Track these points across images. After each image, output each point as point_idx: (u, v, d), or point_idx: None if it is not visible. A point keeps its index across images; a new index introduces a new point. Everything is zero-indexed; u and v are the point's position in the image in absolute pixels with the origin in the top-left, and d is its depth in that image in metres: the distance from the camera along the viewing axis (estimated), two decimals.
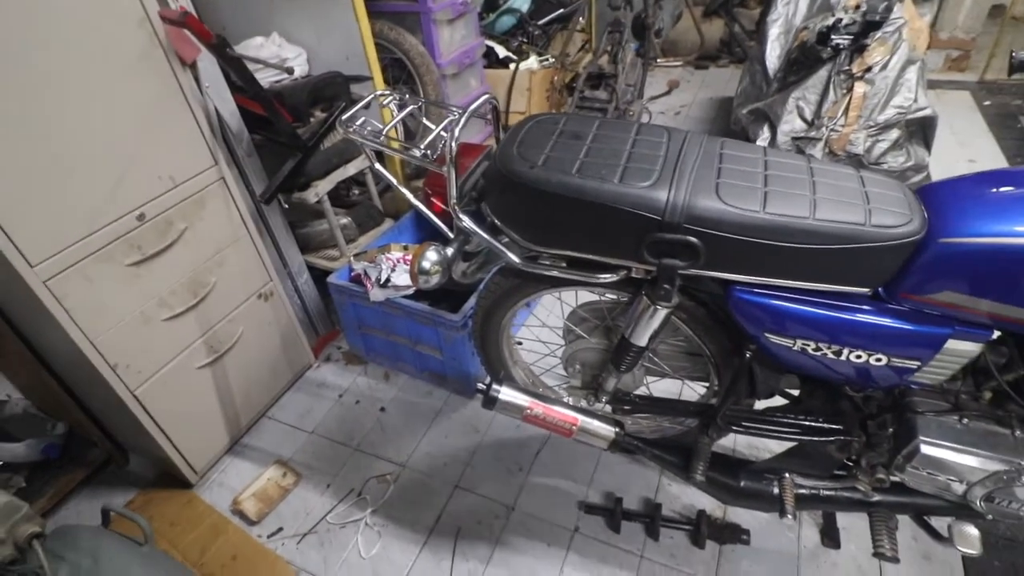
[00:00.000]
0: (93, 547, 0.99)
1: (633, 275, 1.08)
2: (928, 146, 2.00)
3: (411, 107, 1.24)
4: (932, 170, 2.72)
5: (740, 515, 1.52)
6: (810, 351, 1.01)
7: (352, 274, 1.90)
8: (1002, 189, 0.91)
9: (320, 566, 1.51)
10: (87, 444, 1.77)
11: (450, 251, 1.13)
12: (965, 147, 3.02)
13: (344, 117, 1.18)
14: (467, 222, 1.12)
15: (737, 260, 0.97)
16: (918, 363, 0.97)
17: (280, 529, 1.60)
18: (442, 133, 1.17)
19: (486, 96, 1.19)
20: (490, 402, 1.22)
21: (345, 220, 2.05)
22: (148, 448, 1.67)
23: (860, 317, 0.96)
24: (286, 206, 1.84)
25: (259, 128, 1.75)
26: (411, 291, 1.80)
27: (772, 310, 1.00)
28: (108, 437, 1.77)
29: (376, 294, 1.79)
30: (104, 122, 1.30)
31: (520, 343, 1.65)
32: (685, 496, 1.58)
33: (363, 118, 1.19)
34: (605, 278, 1.09)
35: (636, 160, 1.02)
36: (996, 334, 1.02)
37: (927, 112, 1.91)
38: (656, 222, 0.95)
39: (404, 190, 1.23)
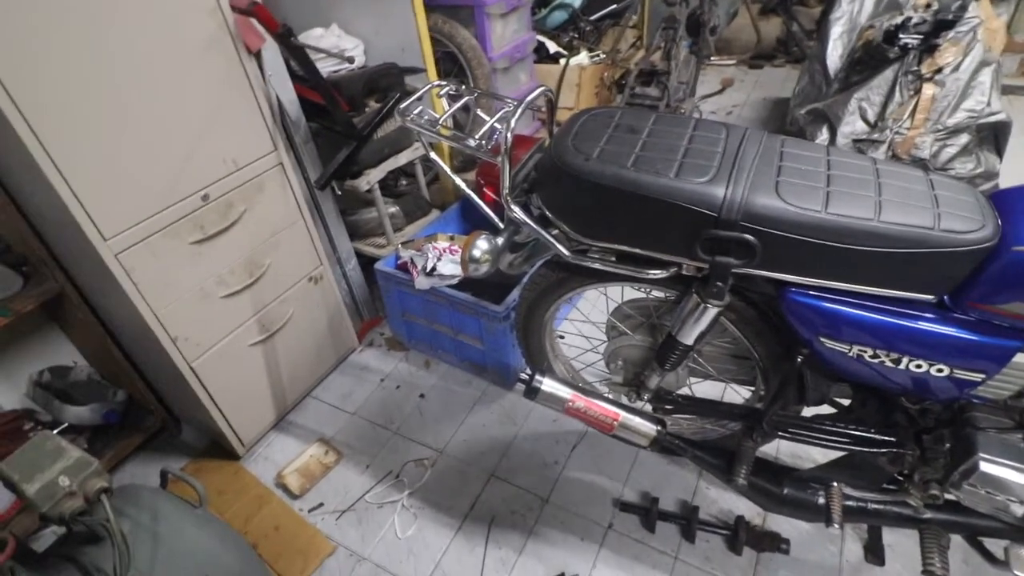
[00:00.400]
0: (152, 505, 1.05)
1: (683, 272, 1.07)
2: (1000, 153, 1.90)
3: (466, 98, 1.25)
4: (1003, 180, 2.58)
5: (780, 524, 1.48)
6: (867, 358, 0.98)
7: (399, 262, 1.94)
8: None
9: (358, 542, 1.55)
10: (144, 412, 1.86)
11: (500, 241, 1.14)
12: None
13: (401, 107, 1.21)
14: (518, 213, 1.13)
15: (794, 261, 0.95)
16: (982, 376, 0.93)
17: (321, 504, 1.65)
18: (496, 124, 1.18)
19: (543, 88, 1.19)
20: (532, 393, 1.23)
21: (393, 209, 2.09)
22: (200, 419, 1.75)
23: (923, 325, 0.93)
24: (339, 193, 1.89)
25: (316, 116, 1.80)
26: (455, 281, 1.82)
27: (828, 313, 0.98)
28: (163, 407, 1.87)
29: (422, 282, 1.82)
30: (176, 105, 1.36)
31: (562, 337, 1.66)
32: (723, 501, 1.55)
33: (420, 108, 1.22)
34: (655, 274, 1.08)
35: (693, 155, 1.01)
36: None
37: (1001, 117, 1.81)
38: (712, 218, 0.94)
39: (457, 179, 1.25)
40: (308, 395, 2.00)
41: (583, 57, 2.94)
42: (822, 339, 1.00)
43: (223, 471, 1.78)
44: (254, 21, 1.46)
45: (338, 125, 1.72)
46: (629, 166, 1.00)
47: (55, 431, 1.71)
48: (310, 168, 1.83)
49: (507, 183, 1.11)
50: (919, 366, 0.95)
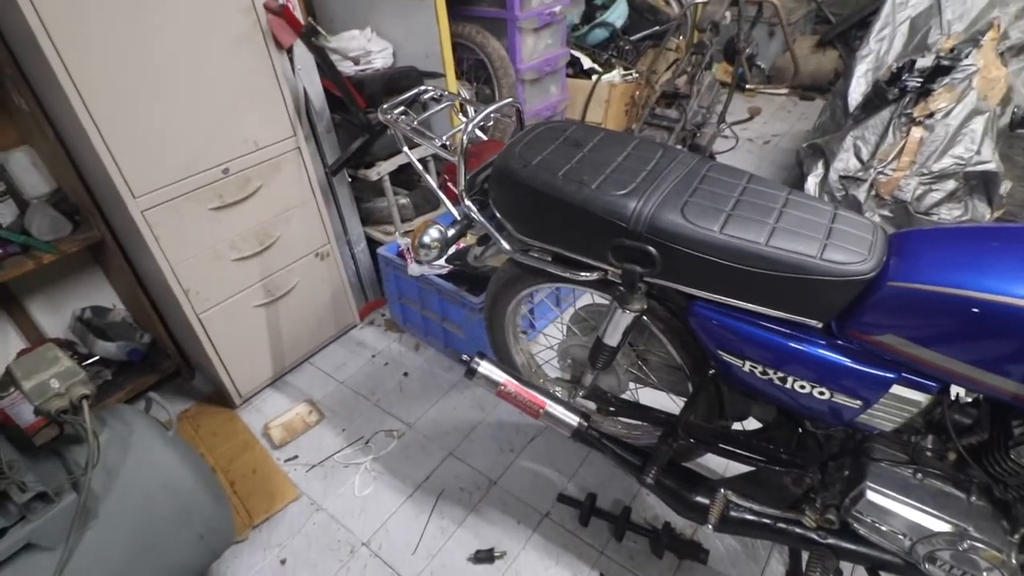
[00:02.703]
0: (130, 421, 1.24)
1: (610, 278, 1.17)
2: (991, 202, 1.85)
3: (446, 104, 1.39)
4: None
5: (708, 539, 1.53)
6: (757, 374, 1.05)
7: (399, 249, 2.11)
8: (970, 243, 0.90)
9: (320, 494, 1.71)
10: (164, 356, 2.11)
11: (451, 232, 1.27)
12: None
13: (386, 106, 1.36)
14: (471, 209, 1.26)
15: (694, 275, 1.03)
16: (860, 403, 0.97)
17: (296, 457, 1.83)
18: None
19: (509, 100, 1.32)
20: (470, 373, 1.34)
21: (404, 200, 2.26)
22: (207, 368, 1.97)
23: (807, 348, 0.99)
24: (350, 180, 2.08)
25: (339, 109, 1.99)
26: (444, 271, 1.96)
27: (726, 328, 1.05)
28: (181, 354, 2.10)
29: (414, 268, 1.96)
30: (207, 89, 1.57)
31: (525, 332, 1.76)
32: (659, 507, 1.61)
33: (402, 108, 1.36)
34: (584, 276, 1.18)
35: (620, 171, 1.11)
36: (970, 396, 1.00)
37: (989, 167, 1.76)
38: (621, 228, 1.04)
39: (427, 176, 1.39)
40: (306, 361, 2.19)
41: (615, 75, 3.03)
42: (720, 352, 1.08)
43: (220, 416, 1.99)
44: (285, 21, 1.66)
45: (355, 119, 1.90)
46: (559, 175, 1.10)
47: (86, 362, 1.98)
48: (329, 155, 2.03)
49: (462, 180, 1.25)
50: (803, 387, 1.01)
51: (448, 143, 1.29)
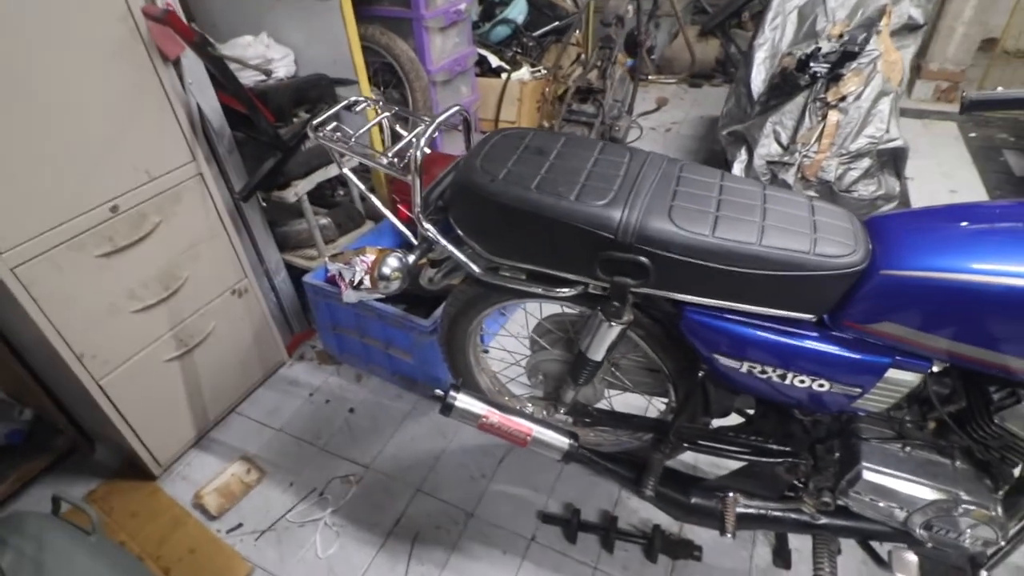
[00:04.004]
0: (39, 533, 1.00)
1: (591, 291, 1.10)
2: (899, 176, 2.04)
3: (385, 115, 1.26)
4: (913, 199, 2.75)
5: (696, 532, 1.53)
6: (756, 373, 1.03)
7: (328, 275, 1.91)
8: (948, 225, 0.94)
9: (277, 563, 1.52)
10: (53, 432, 1.77)
11: (411, 258, 1.15)
12: (948, 178, 3.06)
13: (316, 122, 1.20)
14: (430, 230, 1.14)
15: (687, 281, 0.99)
16: (859, 390, 0.99)
17: (240, 525, 1.61)
18: (414, 141, 1.19)
19: (457, 107, 1.21)
20: (447, 409, 1.23)
21: (325, 221, 2.07)
22: (113, 438, 1.68)
23: (805, 343, 0.98)
24: (264, 204, 1.86)
25: (242, 126, 1.76)
26: (384, 294, 1.81)
27: (721, 331, 1.02)
28: (75, 425, 1.77)
29: (349, 296, 1.78)
30: (80, 113, 1.31)
31: (487, 351, 1.67)
32: (643, 510, 1.59)
33: (334, 123, 1.21)
34: (563, 292, 1.11)
35: (595, 179, 1.04)
36: (939, 366, 1.04)
37: (898, 143, 1.94)
38: (609, 240, 0.97)
39: (373, 197, 1.25)
40: (232, 411, 1.94)
41: (524, 72, 2.99)
42: (716, 356, 1.05)
43: (137, 492, 1.70)
44: (170, 29, 1.42)
45: (263, 136, 1.69)
46: (532, 188, 1.02)
47: None
48: (235, 179, 1.79)
49: (418, 200, 1.12)
50: (803, 381, 1.01)
51: (397, 160, 1.15)
